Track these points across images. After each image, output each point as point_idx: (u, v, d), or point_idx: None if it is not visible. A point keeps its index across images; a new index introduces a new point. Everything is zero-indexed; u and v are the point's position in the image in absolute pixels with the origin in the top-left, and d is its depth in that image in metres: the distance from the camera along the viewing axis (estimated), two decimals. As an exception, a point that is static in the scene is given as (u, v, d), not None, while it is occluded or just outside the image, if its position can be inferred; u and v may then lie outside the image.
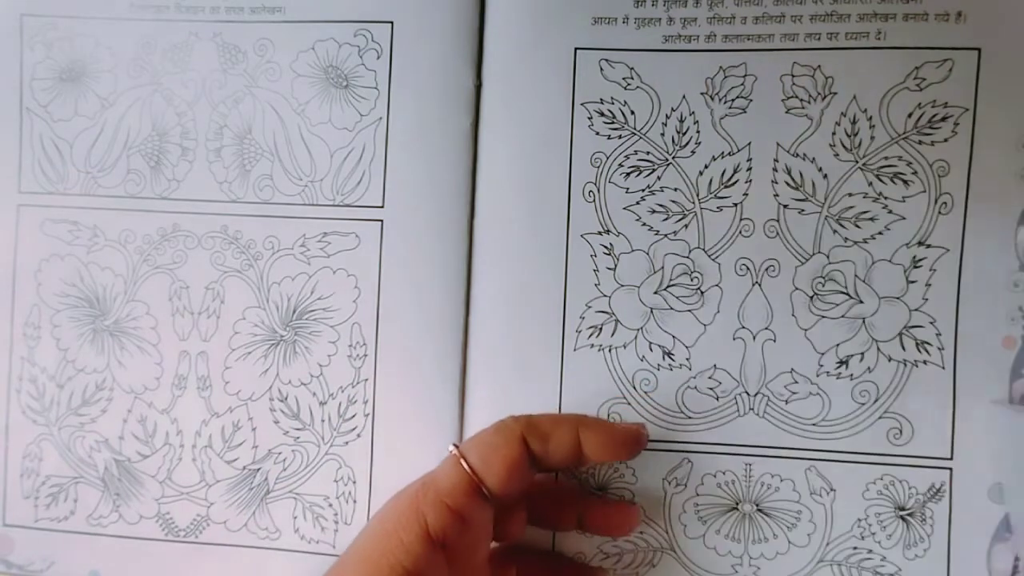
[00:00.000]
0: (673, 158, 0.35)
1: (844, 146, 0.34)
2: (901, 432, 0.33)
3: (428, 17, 0.36)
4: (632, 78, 0.35)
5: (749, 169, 0.34)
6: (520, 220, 0.35)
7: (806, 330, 0.34)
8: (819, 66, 0.34)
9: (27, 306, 0.39)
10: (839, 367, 0.33)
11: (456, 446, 0.29)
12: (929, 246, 0.33)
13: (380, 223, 0.37)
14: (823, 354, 0.33)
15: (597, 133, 0.35)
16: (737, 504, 0.34)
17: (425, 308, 0.36)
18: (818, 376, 0.33)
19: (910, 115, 0.33)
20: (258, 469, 0.37)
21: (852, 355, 0.33)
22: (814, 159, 0.34)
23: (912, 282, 0.33)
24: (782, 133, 0.34)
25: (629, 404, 0.34)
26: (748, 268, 0.34)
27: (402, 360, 0.36)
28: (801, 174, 0.34)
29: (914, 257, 0.33)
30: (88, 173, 0.38)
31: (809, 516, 0.33)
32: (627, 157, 0.35)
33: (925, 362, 0.33)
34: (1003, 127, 0.33)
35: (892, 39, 0.33)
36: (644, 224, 0.35)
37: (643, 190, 0.35)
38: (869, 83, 0.33)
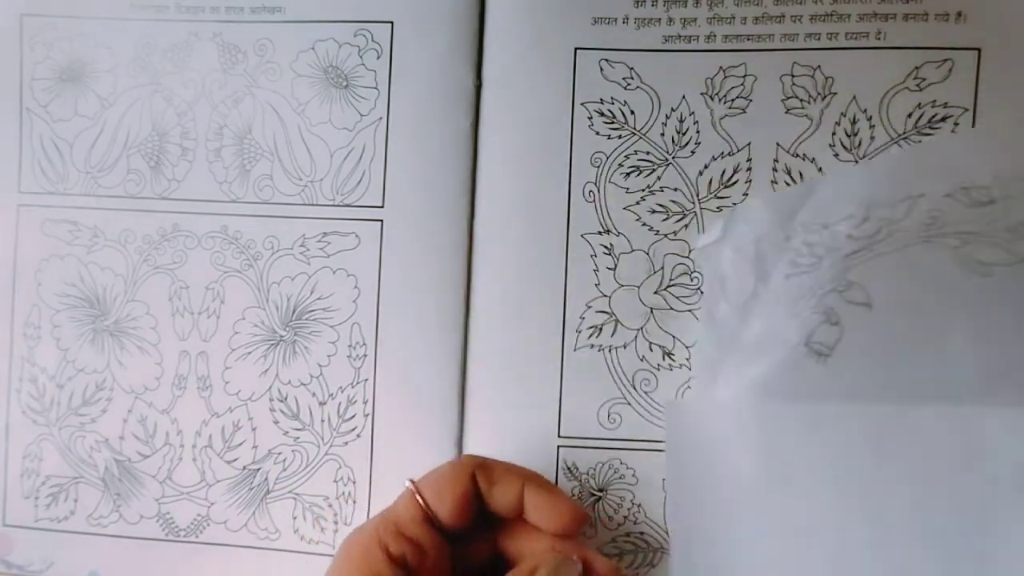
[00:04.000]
0: (673, 158, 0.35)
1: (844, 146, 0.34)
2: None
3: (428, 17, 0.36)
4: (632, 78, 0.35)
5: (749, 169, 0.34)
6: (520, 220, 0.35)
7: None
8: (819, 66, 0.34)
9: (27, 306, 0.39)
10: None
11: (412, 481, 0.30)
12: (929, 246, 0.33)
13: (380, 223, 0.37)
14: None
15: (597, 133, 0.35)
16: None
17: (425, 308, 0.36)
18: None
19: (910, 115, 0.33)
20: (258, 469, 0.37)
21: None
22: (814, 159, 0.34)
23: (913, 282, 0.33)
24: (782, 133, 0.34)
25: (629, 404, 0.34)
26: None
27: (402, 360, 0.36)
28: (801, 174, 0.34)
29: (914, 257, 0.33)
30: (88, 173, 0.38)
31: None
32: (627, 157, 0.35)
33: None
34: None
35: (892, 39, 0.33)
36: (644, 224, 0.35)
37: (643, 190, 0.35)
38: (869, 83, 0.33)
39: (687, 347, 0.34)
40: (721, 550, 0.27)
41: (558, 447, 0.35)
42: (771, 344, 0.27)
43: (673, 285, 0.35)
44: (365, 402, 0.36)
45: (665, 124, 0.35)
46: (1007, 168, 0.26)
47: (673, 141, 0.35)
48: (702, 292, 0.34)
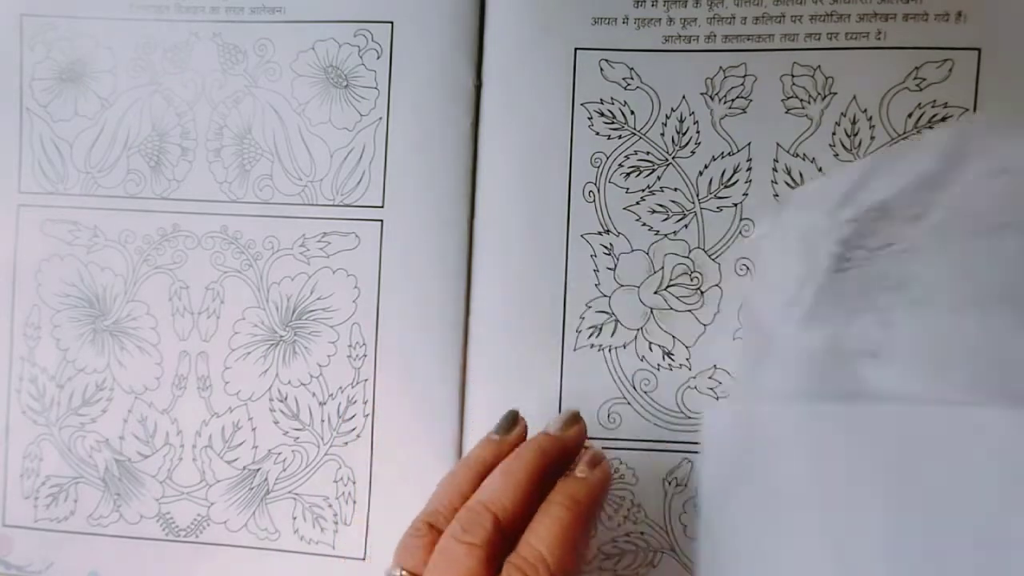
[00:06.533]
0: (673, 158, 0.35)
1: (844, 146, 0.34)
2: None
3: (428, 17, 0.36)
4: (632, 78, 0.35)
5: (749, 169, 0.34)
6: (520, 220, 0.35)
7: (807, 330, 0.33)
8: (819, 66, 0.34)
9: (27, 306, 0.39)
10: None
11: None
12: (929, 246, 0.33)
13: (380, 223, 0.37)
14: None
15: (597, 133, 0.35)
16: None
17: (425, 308, 0.36)
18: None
19: (910, 115, 0.33)
20: (258, 469, 0.37)
21: (853, 355, 0.33)
22: (814, 159, 0.34)
23: (913, 282, 0.33)
24: (782, 133, 0.34)
25: (629, 404, 0.34)
26: (748, 268, 0.34)
27: (402, 360, 0.36)
28: (801, 174, 0.34)
29: (915, 257, 0.33)
30: (88, 173, 0.38)
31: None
32: (627, 157, 0.35)
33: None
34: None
35: (892, 39, 0.33)
36: (644, 224, 0.35)
37: (643, 190, 0.35)
38: (869, 83, 0.33)
39: (687, 347, 0.34)
40: (755, 567, 0.24)
41: (558, 447, 0.35)
42: (817, 344, 0.25)
43: (673, 285, 0.35)
44: (365, 402, 0.36)
45: (665, 124, 0.35)
46: None
47: (673, 141, 0.35)
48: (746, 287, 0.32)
